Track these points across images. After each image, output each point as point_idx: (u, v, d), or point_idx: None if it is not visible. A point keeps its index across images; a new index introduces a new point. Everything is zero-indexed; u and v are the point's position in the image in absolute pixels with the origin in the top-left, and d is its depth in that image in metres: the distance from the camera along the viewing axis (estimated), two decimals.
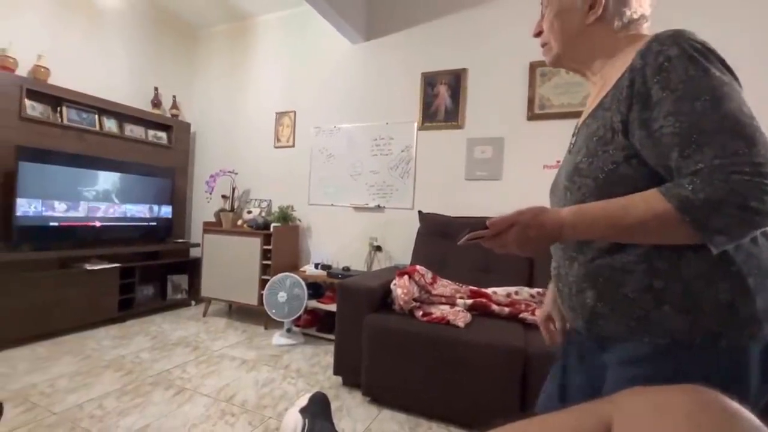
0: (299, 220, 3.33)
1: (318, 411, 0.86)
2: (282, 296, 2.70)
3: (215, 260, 3.21)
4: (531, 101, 2.56)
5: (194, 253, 3.67)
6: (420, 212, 2.70)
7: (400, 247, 2.90)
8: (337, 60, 3.25)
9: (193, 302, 3.59)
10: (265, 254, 3.03)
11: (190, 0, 3.49)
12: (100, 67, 3.23)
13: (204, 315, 3.26)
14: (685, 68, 0.56)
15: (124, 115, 3.29)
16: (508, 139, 2.64)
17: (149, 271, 3.30)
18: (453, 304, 2.01)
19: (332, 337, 2.35)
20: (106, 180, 3.01)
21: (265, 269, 3.02)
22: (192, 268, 3.59)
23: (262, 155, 3.59)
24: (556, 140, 2.36)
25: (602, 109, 0.67)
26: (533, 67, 2.54)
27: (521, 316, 1.90)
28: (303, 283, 2.71)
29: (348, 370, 2.03)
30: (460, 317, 1.83)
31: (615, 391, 0.40)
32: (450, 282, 2.20)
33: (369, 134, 3.08)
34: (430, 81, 2.87)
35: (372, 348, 1.87)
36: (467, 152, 2.75)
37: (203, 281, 3.27)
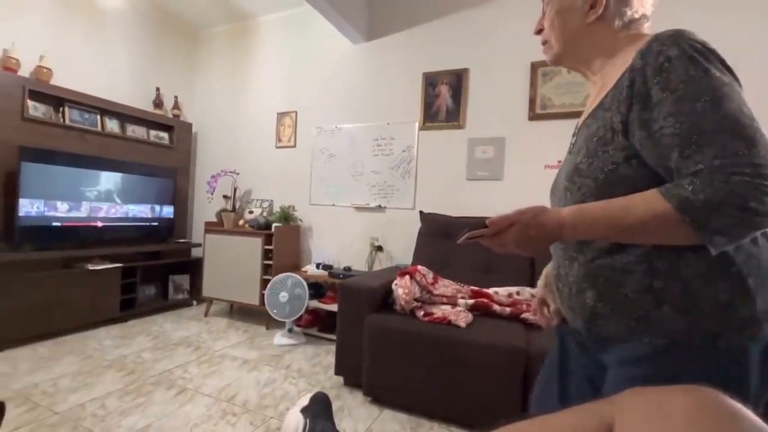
0: (300, 220, 3.33)
1: (319, 411, 0.86)
2: (283, 296, 2.70)
3: (217, 260, 3.21)
4: (532, 101, 2.55)
5: (196, 253, 3.67)
6: (421, 212, 2.70)
7: (402, 247, 2.90)
8: (338, 60, 3.26)
9: (194, 302, 3.60)
10: (267, 254, 3.03)
11: (191, 0, 3.50)
12: (102, 68, 3.24)
13: (205, 315, 3.26)
14: (685, 68, 0.55)
15: (125, 115, 3.29)
16: (509, 139, 2.63)
17: (151, 271, 3.30)
18: (454, 304, 2.01)
19: (333, 337, 2.36)
20: (108, 180, 3.02)
21: (266, 269, 3.03)
22: (193, 268, 3.60)
23: (264, 155, 3.59)
24: (558, 140, 2.35)
25: (602, 110, 0.67)
26: (535, 66, 2.53)
27: (523, 316, 1.90)
28: (304, 283, 2.71)
29: (349, 370, 2.03)
30: (461, 317, 1.82)
31: (615, 391, 0.40)
32: (451, 282, 2.20)
33: (370, 134, 3.08)
34: (431, 81, 2.87)
35: (373, 348, 1.87)
36: (468, 152, 2.74)
37: (205, 281, 3.27)
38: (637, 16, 0.70)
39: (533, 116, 2.55)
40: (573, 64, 0.80)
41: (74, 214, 2.81)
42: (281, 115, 3.51)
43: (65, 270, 2.71)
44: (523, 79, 2.59)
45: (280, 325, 2.88)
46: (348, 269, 2.91)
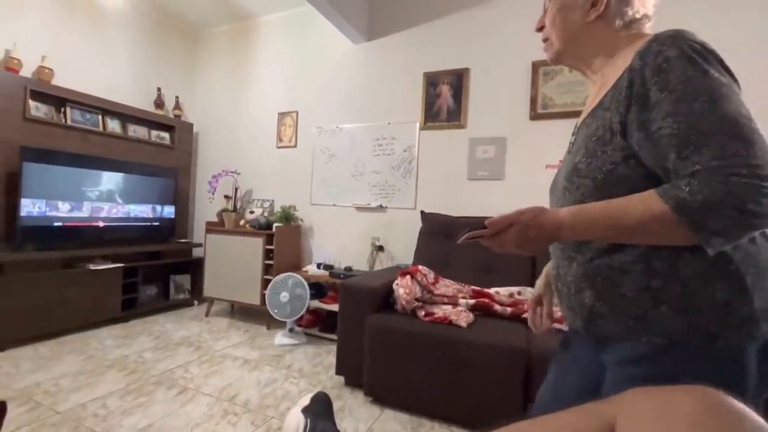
0: (301, 220, 3.33)
1: (320, 411, 0.86)
2: (284, 296, 2.70)
3: (218, 260, 3.21)
4: (533, 101, 2.55)
5: (197, 253, 3.68)
6: (422, 212, 2.70)
7: (403, 247, 2.90)
8: (338, 60, 3.26)
9: (195, 302, 3.61)
10: (268, 254, 3.03)
11: (192, 1, 3.50)
12: (103, 68, 3.24)
13: (206, 315, 3.27)
14: (683, 69, 0.55)
15: (127, 115, 3.30)
16: (510, 138, 2.63)
17: (152, 271, 3.31)
18: (455, 304, 2.00)
19: (334, 337, 2.35)
20: (110, 180, 3.03)
21: (267, 269, 3.03)
22: (195, 268, 3.60)
23: (265, 155, 3.60)
24: (559, 140, 2.35)
25: (601, 109, 0.67)
26: (536, 66, 2.53)
27: (524, 316, 1.90)
28: (305, 283, 2.71)
29: (350, 370, 2.03)
30: (462, 317, 1.82)
31: (614, 391, 0.39)
32: (452, 282, 2.19)
33: (371, 134, 3.08)
34: (432, 81, 2.87)
35: (374, 348, 1.87)
36: (469, 152, 2.74)
37: (206, 281, 3.28)
38: (638, 16, 0.70)
39: (534, 116, 2.55)
40: (573, 63, 0.80)
41: (76, 214, 2.81)
42: (282, 115, 3.51)
43: (67, 270, 2.71)
44: (525, 78, 2.58)
45: (281, 325, 2.88)
46: (349, 269, 2.91)
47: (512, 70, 2.63)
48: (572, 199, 0.68)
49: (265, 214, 3.37)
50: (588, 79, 0.80)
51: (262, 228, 3.11)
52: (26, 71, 2.70)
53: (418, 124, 2.91)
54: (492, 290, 2.10)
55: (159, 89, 3.64)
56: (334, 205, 3.23)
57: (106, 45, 3.25)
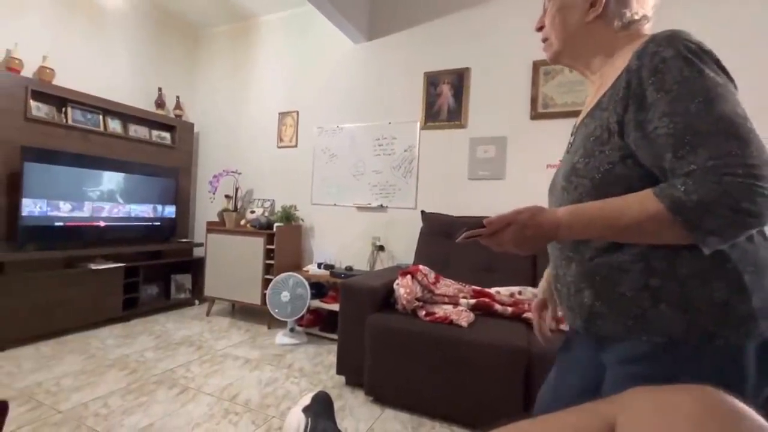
0: (302, 220, 3.34)
1: (321, 410, 0.86)
2: (285, 296, 2.71)
3: (219, 260, 3.22)
4: (534, 100, 2.55)
5: (198, 252, 3.68)
6: (423, 212, 2.70)
7: (403, 247, 2.90)
8: (339, 60, 3.26)
9: (196, 302, 3.61)
10: (268, 254, 3.04)
11: (193, 1, 3.50)
12: (104, 68, 3.25)
13: (207, 314, 3.27)
14: (680, 69, 0.56)
15: (128, 115, 3.30)
16: (511, 138, 2.63)
17: (153, 271, 3.31)
18: (456, 304, 2.00)
19: (335, 336, 2.36)
20: (111, 180, 3.03)
21: (268, 269, 3.03)
22: (195, 267, 3.61)
23: (265, 155, 3.60)
24: (560, 139, 2.35)
25: (599, 110, 0.68)
26: (536, 65, 2.53)
27: (524, 315, 1.90)
28: (306, 283, 2.71)
29: (351, 370, 2.03)
30: (463, 317, 1.82)
31: (614, 390, 0.40)
32: (453, 282, 2.19)
33: (371, 134, 3.08)
34: (432, 80, 2.86)
35: (375, 348, 1.87)
36: (470, 152, 2.74)
37: (207, 281, 3.28)
38: (636, 17, 0.70)
39: (535, 115, 2.55)
40: (572, 63, 0.80)
41: (77, 213, 2.82)
42: (283, 115, 3.51)
43: (68, 270, 2.72)
44: (525, 78, 2.58)
45: (281, 324, 2.88)
46: (349, 269, 2.91)
47: (513, 69, 2.62)
48: (570, 198, 0.68)
49: (266, 213, 3.38)
50: (587, 79, 0.80)
51: (263, 228, 3.11)
52: (27, 71, 2.70)
53: (418, 124, 2.91)
54: (493, 290, 2.10)
55: (160, 89, 3.64)
56: (335, 204, 3.23)
57: (106, 45, 3.25)
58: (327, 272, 2.92)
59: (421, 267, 2.10)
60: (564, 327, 0.85)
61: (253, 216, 3.30)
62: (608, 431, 0.34)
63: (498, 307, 1.97)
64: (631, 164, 0.61)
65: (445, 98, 2.82)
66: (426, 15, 2.91)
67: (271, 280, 2.84)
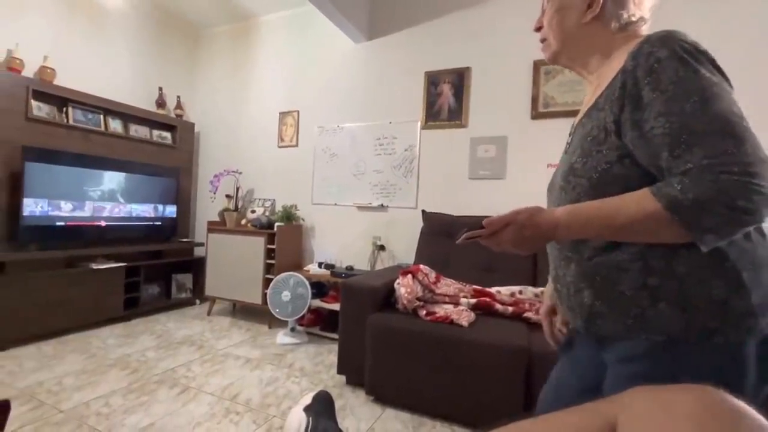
0: (303, 220, 3.34)
1: (322, 410, 0.86)
2: (286, 295, 2.71)
3: (219, 259, 3.22)
4: (535, 100, 2.55)
5: (199, 252, 3.69)
6: (423, 211, 2.70)
7: (404, 247, 2.90)
8: (339, 59, 3.26)
9: (197, 301, 3.61)
10: (269, 253, 3.04)
11: (193, 1, 3.51)
12: (105, 68, 3.25)
13: (208, 314, 3.27)
14: (674, 69, 0.56)
15: (128, 115, 3.31)
16: (511, 137, 2.63)
17: (154, 271, 3.32)
18: (457, 304, 2.01)
19: (336, 336, 2.36)
20: (112, 180, 3.03)
21: (268, 268, 3.04)
22: (196, 267, 3.61)
23: (266, 155, 3.60)
24: (560, 139, 2.33)
25: (596, 110, 0.68)
26: (537, 65, 2.53)
27: (525, 315, 1.90)
28: (306, 283, 2.72)
29: (351, 369, 2.03)
30: (463, 316, 1.82)
31: (615, 389, 0.40)
32: (454, 281, 2.19)
33: (372, 133, 3.08)
34: (433, 80, 2.86)
35: (375, 347, 1.88)
36: (471, 151, 2.74)
37: (207, 280, 3.28)
38: (634, 18, 0.71)
39: (536, 115, 2.55)
40: (570, 63, 0.81)
41: (78, 213, 2.82)
42: (283, 115, 3.51)
43: (69, 269, 2.72)
44: (526, 77, 2.58)
45: (282, 324, 2.89)
46: (350, 268, 2.91)
47: (513, 69, 2.62)
48: (568, 198, 0.69)
49: (267, 213, 3.38)
50: (585, 79, 0.81)
51: (264, 227, 3.11)
52: (28, 71, 2.70)
53: (419, 124, 2.91)
54: (493, 289, 2.10)
55: (160, 89, 3.64)
56: (336, 204, 3.23)
57: (107, 45, 3.26)
58: (328, 272, 2.93)
59: (421, 266, 2.10)
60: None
61: (254, 216, 3.30)
62: (609, 431, 0.35)
63: (499, 306, 1.97)
64: (629, 164, 0.62)
65: (446, 98, 2.82)
66: (426, 14, 2.91)
67: (271, 279, 2.84)
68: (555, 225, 0.63)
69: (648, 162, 0.59)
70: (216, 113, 3.92)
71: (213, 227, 3.31)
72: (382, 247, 2.99)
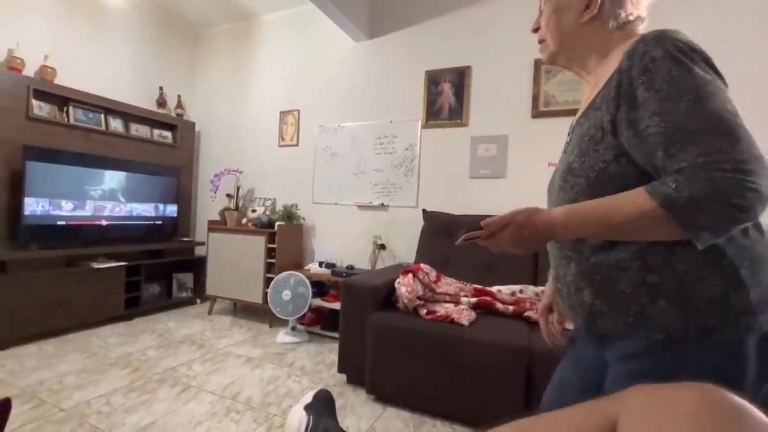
0: (303, 219, 3.34)
1: (322, 408, 0.87)
2: (286, 294, 2.71)
3: (220, 259, 3.22)
4: (536, 98, 2.54)
5: (199, 251, 3.69)
6: (424, 210, 2.70)
7: (404, 246, 2.90)
8: (340, 58, 3.25)
9: (198, 300, 3.62)
10: (270, 253, 3.04)
11: (194, 0, 3.50)
12: (106, 67, 3.25)
13: (209, 313, 3.28)
14: (668, 69, 0.57)
15: (129, 114, 3.31)
16: (512, 136, 2.62)
17: (155, 270, 3.32)
18: (457, 303, 2.00)
19: (336, 335, 2.36)
20: (112, 179, 3.04)
21: (269, 267, 3.04)
22: (197, 266, 3.61)
23: (267, 154, 3.60)
24: (561, 138, 2.32)
25: (593, 109, 0.68)
26: (538, 64, 2.52)
27: (526, 314, 1.90)
28: (307, 282, 2.72)
29: (352, 368, 2.03)
30: (464, 316, 1.82)
31: (616, 386, 0.40)
32: (454, 280, 2.19)
33: (373, 132, 3.08)
34: (434, 79, 2.86)
35: (376, 346, 1.88)
36: (471, 150, 2.74)
37: (208, 279, 3.29)
38: (631, 18, 0.71)
39: (536, 114, 2.54)
40: (568, 64, 0.81)
41: (79, 212, 2.83)
42: (284, 114, 3.51)
43: (70, 268, 2.72)
44: (527, 76, 2.58)
45: (283, 323, 2.89)
46: (351, 267, 2.92)
47: (514, 67, 2.62)
48: (567, 198, 0.69)
49: (267, 212, 3.38)
50: (583, 79, 0.81)
51: (264, 226, 3.11)
52: (29, 71, 2.70)
53: (419, 123, 2.91)
54: (494, 288, 2.10)
55: (161, 88, 3.64)
56: (336, 203, 3.23)
57: (108, 44, 3.26)
58: (328, 271, 2.93)
59: (422, 265, 2.10)
60: (569, 326, 0.86)
61: (255, 215, 3.31)
62: (610, 429, 0.35)
63: (499, 305, 1.97)
64: (625, 163, 0.62)
65: (446, 96, 2.82)
66: (427, 13, 2.91)
67: (272, 278, 2.84)
68: (553, 225, 0.63)
69: (644, 161, 0.60)
70: (217, 112, 3.92)
71: (214, 226, 3.31)
72: (382, 246, 2.99)
